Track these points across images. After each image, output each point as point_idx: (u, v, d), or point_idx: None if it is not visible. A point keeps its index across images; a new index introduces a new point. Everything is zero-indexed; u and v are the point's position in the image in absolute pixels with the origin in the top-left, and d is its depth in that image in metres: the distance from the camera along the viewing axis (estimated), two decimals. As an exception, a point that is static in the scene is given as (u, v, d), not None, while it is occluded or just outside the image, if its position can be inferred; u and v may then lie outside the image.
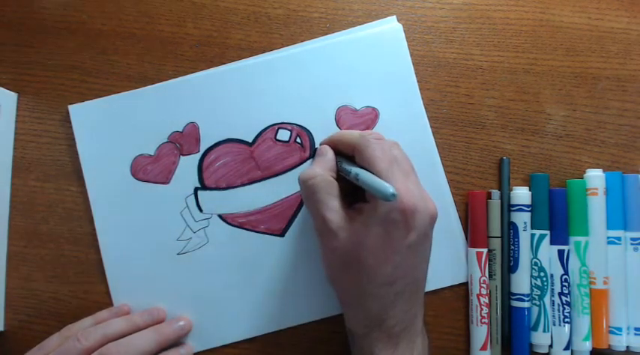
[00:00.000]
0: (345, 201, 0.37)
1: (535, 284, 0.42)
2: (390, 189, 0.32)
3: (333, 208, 0.36)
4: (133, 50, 0.45)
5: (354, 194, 0.38)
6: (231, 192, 0.43)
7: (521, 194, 0.42)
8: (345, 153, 0.39)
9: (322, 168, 0.37)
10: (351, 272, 0.36)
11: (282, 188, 0.43)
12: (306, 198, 0.37)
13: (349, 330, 0.39)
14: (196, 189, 0.43)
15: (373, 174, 0.35)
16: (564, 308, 0.41)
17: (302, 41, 0.44)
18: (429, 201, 0.36)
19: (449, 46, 0.45)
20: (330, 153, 0.39)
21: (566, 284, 0.41)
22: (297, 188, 0.43)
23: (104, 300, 0.43)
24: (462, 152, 0.44)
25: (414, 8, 0.45)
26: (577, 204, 0.42)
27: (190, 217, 0.43)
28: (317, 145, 0.43)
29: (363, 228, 0.35)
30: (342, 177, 0.37)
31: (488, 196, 0.43)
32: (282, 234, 0.43)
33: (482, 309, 0.41)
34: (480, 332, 0.41)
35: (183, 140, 0.43)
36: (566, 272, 0.41)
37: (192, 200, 0.43)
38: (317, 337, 0.42)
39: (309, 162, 0.43)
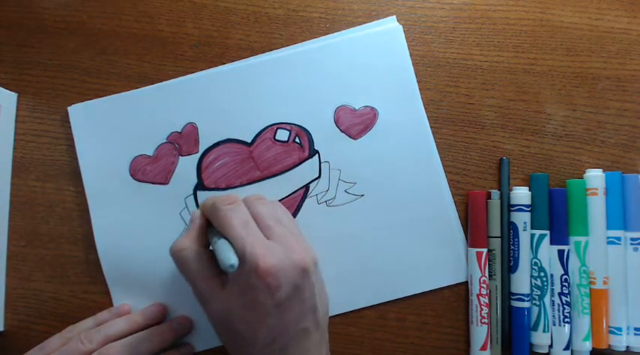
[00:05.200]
0: (219, 268, 0.36)
1: (535, 284, 0.42)
2: (229, 260, 0.32)
3: (203, 278, 0.36)
4: (132, 50, 0.45)
5: None
6: (231, 193, 0.43)
7: (521, 194, 0.42)
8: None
9: (190, 239, 0.37)
10: (230, 338, 0.36)
11: (281, 188, 0.43)
12: (179, 268, 0.37)
13: None
14: (195, 190, 0.43)
15: (229, 240, 0.35)
16: (564, 308, 0.41)
17: (302, 41, 0.44)
18: (296, 253, 0.35)
19: (449, 46, 0.45)
20: (198, 221, 0.38)
21: (566, 284, 0.41)
22: (296, 188, 0.43)
23: (104, 300, 0.43)
24: (462, 152, 0.44)
25: (414, 8, 0.45)
26: (577, 204, 0.42)
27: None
28: (316, 145, 0.43)
29: (230, 295, 0.35)
30: None
31: (488, 196, 0.43)
32: (281, 234, 0.43)
33: (482, 309, 0.41)
34: (480, 332, 0.41)
35: (182, 140, 0.43)
36: (566, 272, 0.41)
37: (191, 200, 0.43)
38: (317, 337, 0.42)
39: (309, 161, 0.43)
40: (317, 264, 0.37)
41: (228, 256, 0.33)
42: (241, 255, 0.33)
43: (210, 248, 0.37)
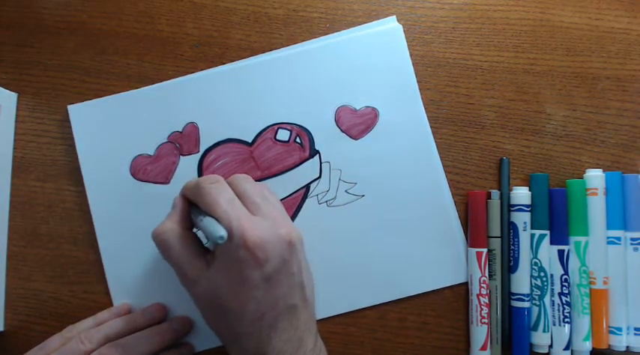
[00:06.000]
0: (203, 249, 0.37)
1: (535, 284, 0.42)
2: (217, 232, 0.32)
3: (187, 259, 0.36)
4: (132, 50, 0.45)
5: None
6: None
7: (521, 194, 0.42)
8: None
9: (172, 221, 0.37)
10: (219, 316, 0.36)
11: (281, 188, 0.43)
12: (161, 252, 0.37)
13: None
14: (196, 189, 0.43)
15: (215, 217, 0.35)
16: (564, 308, 0.41)
17: (302, 41, 0.44)
18: (283, 227, 0.35)
19: (449, 46, 0.45)
20: (180, 204, 0.38)
21: (566, 284, 0.41)
22: (296, 188, 0.43)
23: (104, 300, 0.43)
24: (462, 152, 0.44)
25: (414, 8, 0.45)
26: (577, 204, 0.42)
27: (190, 217, 0.43)
28: (317, 145, 0.43)
29: (218, 272, 0.35)
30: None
31: (488, 196, 0.43)
32: (282, 234, 0.43)
33: (482, 309, 0.41)
34: (479, 332, 0.41)
35: (183, 140, 0.43)
36: (566, 272, 0.41)
37: (192, 200, 0.43)
38: (317, 337, 0.42)
39: (309, 162, 0.43)
40: (302, 242, 0.37)
41: (216, 229, 0.33)
42: (228, 230, 0.33)
43: (194, 229, 0.37)
